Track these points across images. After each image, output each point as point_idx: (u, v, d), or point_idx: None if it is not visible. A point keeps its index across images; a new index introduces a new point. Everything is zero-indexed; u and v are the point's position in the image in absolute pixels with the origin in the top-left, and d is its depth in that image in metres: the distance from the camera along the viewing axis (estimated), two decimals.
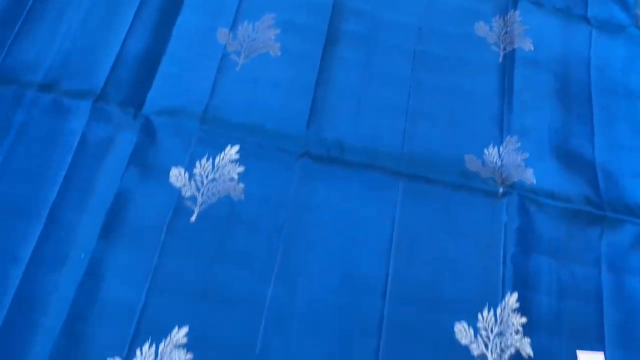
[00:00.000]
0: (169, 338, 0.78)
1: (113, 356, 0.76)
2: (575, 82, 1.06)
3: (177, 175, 0.89)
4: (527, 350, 0.83)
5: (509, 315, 0.85)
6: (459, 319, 0.84)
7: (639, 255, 0.91)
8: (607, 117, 1.04)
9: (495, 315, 0.85)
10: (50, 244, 0.82)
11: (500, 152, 0.98)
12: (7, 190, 0.84)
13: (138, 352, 0.77)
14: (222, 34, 1.01)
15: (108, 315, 0.78)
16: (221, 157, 0.91)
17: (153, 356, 0.77)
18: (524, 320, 0.85)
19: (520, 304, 0.86)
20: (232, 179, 0.90)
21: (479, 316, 0.84)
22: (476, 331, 0.84)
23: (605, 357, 0.84)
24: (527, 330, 0.84)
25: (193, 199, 0.88)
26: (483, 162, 0.96)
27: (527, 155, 0.98)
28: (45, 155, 0.87)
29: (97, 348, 0.77)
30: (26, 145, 0.88)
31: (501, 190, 0.94)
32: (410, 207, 0.91)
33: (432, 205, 0.91)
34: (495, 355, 0.82)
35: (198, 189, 0.88)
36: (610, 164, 0.99)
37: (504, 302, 0.86)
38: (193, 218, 0.86)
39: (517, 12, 1.10)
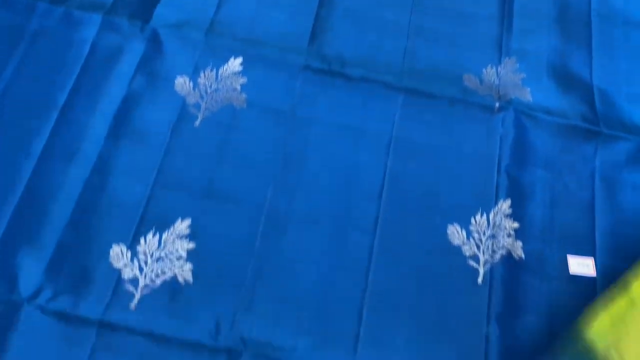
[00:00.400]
0: (172, 228, 0.82)
1: (118, 243, 0.80)
2: (575, 8, 1.08)
3: (182, 84, 0.92)
4: (518, 252, 0.86)
5: (501, 219, 0.87)
6: (451, 222, 0.87)
7: (632, 169, 0.93)
8: (605, 44, 1.05)
9: (488, 219, 0.87)
10: (61, 141, 0.86)
11: (499, 72, 1.00)
12: (21, 91, 0.88)
13: (142, 240, 0.81)
14: None
15: (114, 207, 0.82)
16: (224, 69, 0.94)
17: (157, 244, 0.81)
18: (516, 225, 0.87)
19: (513, 210, 0.88)
20: (234, 89, 0.93)
21: (472, 220, 0.87)
22: (469, 234, 0.86)
23: (595, 263, 0.86)
24: (519, 234, 0.87)
25: (197, 105, 0.91)
26: (481, 81, 0.98)
27: (524, 75, 1.00)
28: (57, 61, 0.91)
29: (104, 236, 0.80)
30: (39, 52, 0.92)
31: (497, 105, 0.96)
32: (409, 119, 0.93)
33: (430, 117, 0.93)
34: (487, 256, 0.85)
35: (202, 97, 0.92)
36: (607, 86, 1.01)
37: (497, 208, 0.88)
38: (197, 123, 0.90)
39: None
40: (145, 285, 0.78)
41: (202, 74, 0.93)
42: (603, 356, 0.67)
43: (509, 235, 0.86)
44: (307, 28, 0.99)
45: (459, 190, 0.89)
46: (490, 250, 0.85)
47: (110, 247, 0.80)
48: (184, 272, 0.79)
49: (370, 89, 0.95)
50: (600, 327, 0.70)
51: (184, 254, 0.80)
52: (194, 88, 0.92)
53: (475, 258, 0.85)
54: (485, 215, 0.87)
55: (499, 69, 1.00)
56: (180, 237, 0.81)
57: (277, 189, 0.86)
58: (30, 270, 0.77)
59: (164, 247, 0.80)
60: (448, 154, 0.91)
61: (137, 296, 0.77)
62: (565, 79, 1.00)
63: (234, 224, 0.83)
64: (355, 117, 0.93)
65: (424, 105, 0.94)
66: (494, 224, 0.87)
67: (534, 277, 0.84)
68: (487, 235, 0.86)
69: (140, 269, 0.79)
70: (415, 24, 1.02)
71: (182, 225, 0.82)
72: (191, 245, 0.81)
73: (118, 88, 0.90)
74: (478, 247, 0.85)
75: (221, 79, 0.93)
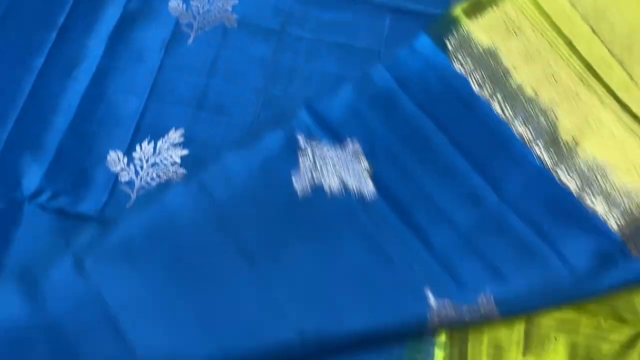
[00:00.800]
0: (166, 137, 0.85)
1: (115, 150, 0.84)
2: None
3: (175, 6, 0.96)
4: None
5: None
6: None
7: None
8: None
9: None
10: (60, 58, 0.90)
11: None
12: (22, 13, 0.92)
13: (138, 147, 0.84)
14: None
15: (111, 117, 0.86)
16: None
17: (152, 151, 0.84)
18: None
19: None
20: (226, 10, 0.96)
21: None
22: None
23: None
24: None
25: (189, 25, 0.94)
26: None
27: None
28: None
29: (101, 143, 0.84)
30: None
31: None
32: (397, 37, 0.96)
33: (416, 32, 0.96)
34: None
35: (194, 17, 0.95)
36: None
37: None
38: (190, 41, 0.93)
39: None
40: (141, 187, 0.82)
41: None
42: (462, 29, 0.85)
43: None
44: None
45: None
46: None
47: (108, 153, 0.84)
48: (178, 175, 0.83)
49: (359, 9, 0.97)
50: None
51: (177, 160, 0.84)
52: (186, 9, 0.96)
53: None
54: None
55: None
56: (174, 145, 0.85)
57: (266, 102, 0.90)
58: (32, 173, 0.81)
59: (158, 153, 0.84)
60: None
61: (133, 196, 0.81)
62: None
63: (226, 134, 0.87)
64: (344, 36, 0.96)
65: (411, 22, 0.97)
66: None
67: None
68: None
69: (136, 173, 0.83)
70: None
71: (176, 134, 0.86)
72: (184, 152, 0.85)
73: (114, 10, 0.94)
74: None
75: (213, 1, 0.96)
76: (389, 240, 0.70)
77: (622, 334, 0.76)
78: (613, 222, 0.73)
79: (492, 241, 0.72)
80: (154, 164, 0.83)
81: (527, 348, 0.75)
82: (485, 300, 0.68)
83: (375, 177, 0.74)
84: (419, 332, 0.70)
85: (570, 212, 0.73)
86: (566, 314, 0.76)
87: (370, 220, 0.71)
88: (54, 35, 0.91)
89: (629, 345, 0.75)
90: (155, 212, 0.72)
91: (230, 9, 0.96)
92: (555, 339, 0.75)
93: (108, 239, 0.70)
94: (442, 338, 0.74)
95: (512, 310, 0.71)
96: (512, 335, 0.75)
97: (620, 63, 0.81)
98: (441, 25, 0.86)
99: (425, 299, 0.67)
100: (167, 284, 0.66)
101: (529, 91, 0.80)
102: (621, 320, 0.76)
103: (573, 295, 0.73)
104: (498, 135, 0.77)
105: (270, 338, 0.64)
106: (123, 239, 0.69)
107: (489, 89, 0.80)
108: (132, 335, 0.63)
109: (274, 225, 0.70)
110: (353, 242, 0.70)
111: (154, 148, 0.84)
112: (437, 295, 0.67)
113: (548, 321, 0.76)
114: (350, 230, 0.71)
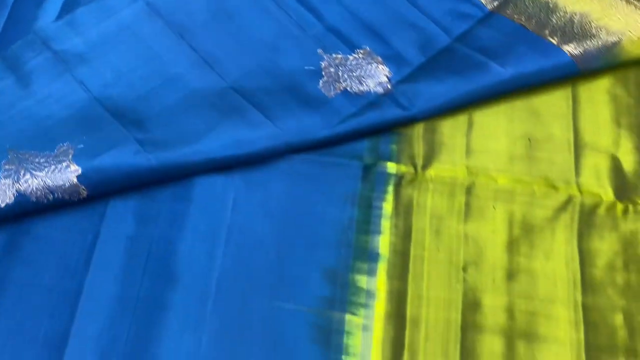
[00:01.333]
0: None
1: None
2: None
3: None
4: None
5: None
6: None
7: None
8: None
9: None
10: None
11: None
12: None
13: None
14: None
15: None
16: None
17: None
18: None
19: None
20: None
21: None
22: None
23: None
24: None
25: None
26: None
27: None
28: None
29: None
30: None
31: None
32: None
33: None
34: None
35: None
36: None
37: None
38: None
39: None
40: None
41: None
42: None
43: None
44: None
45: None
46: None
47: None
48: None
49: None
50: None
51: None
52: None
53: None
54: None
55: None
56: None
57: None
58: None
59: None
60: None
61: None
62: None
63: None
64: None
65: None
66: None
67: None
68: None
69: None
70: None
71: None
72: None
73: None
74: None
75: None
76: (289, 19, 0.92)
77: (554, 200, 0.83)
78: None
79: (373, 11, 0.92)
80: None
81: (467, 216, 0.82)
82: (363, 51, 0.89)
83: None
84: (314, 91, 0.86)
85: None
86: (503, 185, 0.84)
87: (273, 5, 0.93)
88: None
89: (560, 208, 0.82)
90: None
91: None
92: (494, 208, 0.83)
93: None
94: (389, 210, 0.82)
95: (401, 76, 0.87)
96: (454, 206, 0.83)
97: None
98: None
99: (318, 55, 0.89)
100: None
101: None
102: (553, 188, 0.84)
103: (457, 63, 0.88)
104: None
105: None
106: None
107: None
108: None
109: (199, 14, 0.92)
110: (261, 22, 0.92)
111: None
112: (327, 52, 0.89)
113: (486, 193, 0.84)
114: (258, 12, 0.93)
